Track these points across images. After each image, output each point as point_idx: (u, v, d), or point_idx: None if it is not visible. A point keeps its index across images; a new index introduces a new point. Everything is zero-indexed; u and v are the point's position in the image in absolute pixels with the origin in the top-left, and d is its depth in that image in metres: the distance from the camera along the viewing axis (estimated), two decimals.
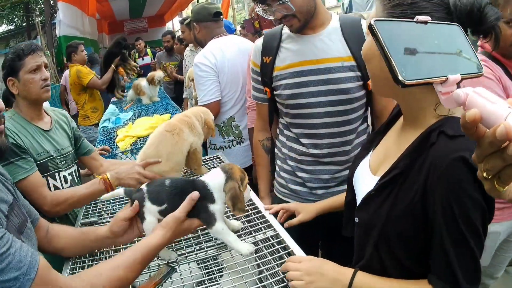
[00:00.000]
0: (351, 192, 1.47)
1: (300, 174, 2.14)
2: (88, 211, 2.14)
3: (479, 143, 0.59)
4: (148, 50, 10.75)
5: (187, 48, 5.53)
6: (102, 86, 5.65)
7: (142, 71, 7.63)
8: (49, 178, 2.19)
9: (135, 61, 10.67)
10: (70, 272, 1.55)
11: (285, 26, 2.13)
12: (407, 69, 0.65)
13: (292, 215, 1.80)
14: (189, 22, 3.34)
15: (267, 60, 2.15)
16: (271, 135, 2.42)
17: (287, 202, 2.10)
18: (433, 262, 1.13)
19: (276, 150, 2.35)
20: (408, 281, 1.18)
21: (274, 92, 2.15)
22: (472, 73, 0.74)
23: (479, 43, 2.11)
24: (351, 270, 1.24)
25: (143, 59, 10.21)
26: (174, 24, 18.27)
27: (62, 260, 1.67)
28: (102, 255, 1.67)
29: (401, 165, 1.18)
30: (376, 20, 0.67)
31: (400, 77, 0.64)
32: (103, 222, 1.95)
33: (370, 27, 0.67)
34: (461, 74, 0.70)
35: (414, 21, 0.73)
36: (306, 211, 1.77)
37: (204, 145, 4.00)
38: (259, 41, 2.23)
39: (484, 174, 0.61)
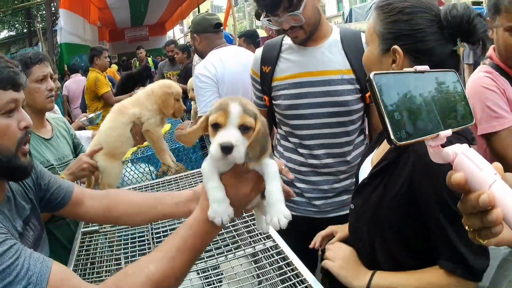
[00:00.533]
0: None
1: (298, 184, 2.15)
2: None
3: (463, 199, 0.64)
4: (149, 59, 10.82)
5: (195, 57, 5.43)
6: (113, 103, 5.62)
7: None
8: None
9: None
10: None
11: (285, 37, 2.16)
12: (400, 131, 0.68)
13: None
14: (190, 33, 3.36)
15: (266, 70, 2.17)
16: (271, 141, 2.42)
17: None
18: (437, 248, 1.24)
19: (277, 155, 2.35)
20: (420, 270, 1.28)
21: (273, 102, 2.18)
22: (463, 126, 0.77)
23: (488, 53, 2.09)
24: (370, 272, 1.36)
25: None
26: (175, 33, 18.37)
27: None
28: (103, 262, 1.69)
29: (390, 157, 1.32)
30: (375, 74, 0.69)
31: (392, 138, 0.67)
32: (104, 231, 1.96)
33: (368, 80, 0.69)
34: (452, 129, 0.73)
35: (413, 71, 0.75)
36: (341, 230, 1.75)
37: (205, 157, 4.02)
38: (259, 51, 2.26)
39: (466, 227, 0.67)
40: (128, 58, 14.24)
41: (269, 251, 1.56)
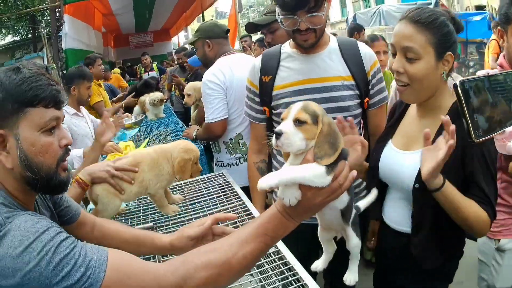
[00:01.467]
0: (377, 182, 1.87)
1: None
2: None
3: None
4: (154, 65, 10.85)
5: None
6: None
7: None
8: None
9: (141, 76, 10.79)
10: None
11: (283, 45, 2.21)
12: (478, 129, 0.84)
13: None
14: (197, 40, 3.39)
15: (266, 79, 2.20)
16: (266, 157, 2.44)
17: None
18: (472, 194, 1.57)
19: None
20: (470, 200, 1.57)
21: (273, 111, 2.21)
22: None
23: (498, 61, 2.09)
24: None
25: (148, 74, 10.30)
26: (179, 39, 18.41)
27: None
28: None
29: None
30: (460, 81, 0.82)
31: (473, 137, 0.84)
32: None
33: (455, 87, 0.85)
34: None
35: (486, 75, 0.86)
36: None
37: (211, 161, 4.05)
38: (258, 61, 2.28)
39: None
40: (133, 64, 14.29)
41: (271, 256, 1.59)
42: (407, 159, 1.72)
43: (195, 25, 18.40)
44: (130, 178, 2.04)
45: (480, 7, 19.62)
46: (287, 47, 2.22)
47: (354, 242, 1.45)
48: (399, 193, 1.83)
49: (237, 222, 1.91)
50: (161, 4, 11.62)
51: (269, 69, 2.20)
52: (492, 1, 18.30)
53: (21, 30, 21.83)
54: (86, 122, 4.07)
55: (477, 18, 14.85)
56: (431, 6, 6.10)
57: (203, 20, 12.60)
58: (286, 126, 1.16)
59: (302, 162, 1.16)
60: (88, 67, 5.77)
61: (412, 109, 1.83)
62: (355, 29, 6.37)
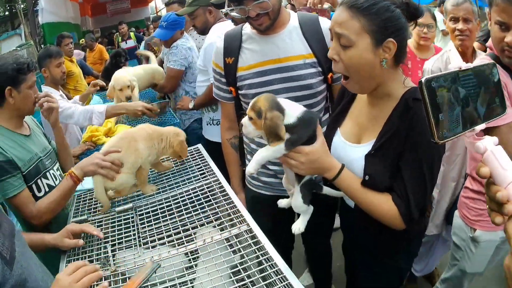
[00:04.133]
0: None
1: (271, 167, 2.22)
2: (78, 209, 2.22)
3: (487, 186, 0.79)
4: (132, 34, 10.71)
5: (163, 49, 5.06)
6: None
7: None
8: (42, 179, 2.31)
9: (118, 45, 10.66)
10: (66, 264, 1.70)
11: (244, 26, 2.20)
12: (443, 130, 0.79)
13: None
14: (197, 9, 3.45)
15: (229, 61, 2.19)
16: (238, 132, 2.48)
17: (261, 194, 2.24)
18: (398, 186, 1.54)
19: (244, 146, 2.43)
20: (377, 192, 1.58)
21: (239, 92, 2.22)
22: (497, 117, 0.88)
23: (488, 43, 2.08)
24: (339, 166, 1.59)
25: (126, 43, 10.19)
26: (156, 4, 18.03)
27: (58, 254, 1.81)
28: (93, 252, 1.78)
29: (390, 128, 1.55)
30: (426, 79, 0.79)
31: (436, 138, 0.79)
32: (93, 220, 2.06)
33: (419, 86, 0.79)
34: (487, 121, 0.85)
35: (458, 70, 0.84)
36: None
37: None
38: (220, 43, 2.27)
39: (487, 205, 0.81)
40: (110, 33, 14.05)
41: (243, 235, 1.63)
42: (356, 152, 1.66)
43: None
44: (118, 168, 2.09)
45: None
46: (248, 28, 2.20)
47: (297, 201, 1.67)
48: None
49: (210, 196, 1.96)
50: None
51: (231, 51, 2.19)
52: None
53: None
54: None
55: None
56: None
57: None
58: (244, 120, 1.57)
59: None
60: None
61: (363, 95, 1.75)
62: None
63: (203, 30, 3.63)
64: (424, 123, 0.80)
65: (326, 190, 1.80)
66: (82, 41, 10.20)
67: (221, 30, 3.17)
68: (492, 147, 0.78)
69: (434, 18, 3.38)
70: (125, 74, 3.71)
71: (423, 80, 0.78)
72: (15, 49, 9.97)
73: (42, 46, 9.59)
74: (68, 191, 2.14)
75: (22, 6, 13.83)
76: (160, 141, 2.23)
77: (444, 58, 2.77)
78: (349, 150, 1.70)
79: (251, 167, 1.54)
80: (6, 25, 17.48)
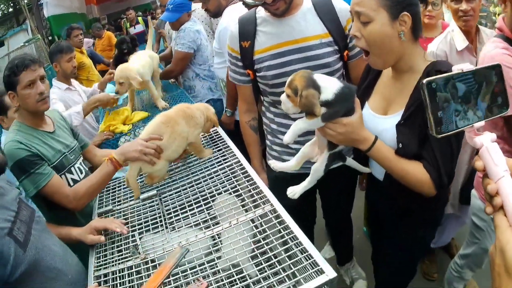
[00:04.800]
0: None
1: (293, 145, 2.23)
2: (102, 200, 2.26)
3: (483, 178, 0.84)
4: (139, 19, 10.66)
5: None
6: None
7: None
8: (67, 174, 2.36)
9: (127, 31, 10.65)
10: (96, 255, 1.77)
11: (258, 10, 2.20)
12: (441, 126, 0.84)
13: None
14: None
15: (245, 45, 2.20)
16: (256, 114, 2.50)
17: (282, 173, 2.26)
18: (425, 155, 1.62)
19: (264, 127, 2.45)
20: (409, 161, 1.65)
21: (257, 74, 2.22)
22: (499, 114, 0.90)
23: (497, 24, 2.07)
24: (373, 137, 1.66)
25: (135, 28, 10.15)
26: None
27: (86, 248, 1.86)
28: (121, 241, 1.83)
29: (416, 99, 1.61)
30: (427, 80, 0.82)
31: (435, 132, 0.84)
32: (118, 209, 2.10)
33: (421, 87, 0.83)
34: (487, 118, 0.87)
35: (461, 72, 0.86)
36: None
37: None
38: (235, 27, 2.27)
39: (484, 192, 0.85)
40: (116, 19, 13.98)
41: (267, 216, 1.65)
42: (385, 123, 1.75)
43: None
44: (159, 154, 2.11)
45: None
46: (262, 12, 2.20)
47: (321, 166, 1.80)
48: None
49: (232, 179, 1.98)
50: None
51: (247, 34, 2.20)
52: None
53: (1, 6, 21.20)
54: (79, 95, 4.12)
55: None
56: None
57: None
58: (282, 97, 1.66)
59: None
60: (67, 40, 5.84)
61: (387, 69, 1.83)
62: None
63: (216, 13, 3.62)
64: None
65: (353, 163, 1.92)
66: (90, 31, 10.23)
67: (234, 13, 3.18)
68: (488, 144, 0.84)
69: None
70: (122, 69, 3.52)
71: (424, 81, 0.83)
72: (23, 44, 10.07)
73: (50, 39, 9.59)
74: (107, 176, 2.15)
75: (25, 1, 13.78)
76: (202, 114, 2.28)
77: (448, 39, 2.73)
78: (378, 121, 1.79)
79: (288, 136, 1.63)
80: (11, 21, 17.48)
